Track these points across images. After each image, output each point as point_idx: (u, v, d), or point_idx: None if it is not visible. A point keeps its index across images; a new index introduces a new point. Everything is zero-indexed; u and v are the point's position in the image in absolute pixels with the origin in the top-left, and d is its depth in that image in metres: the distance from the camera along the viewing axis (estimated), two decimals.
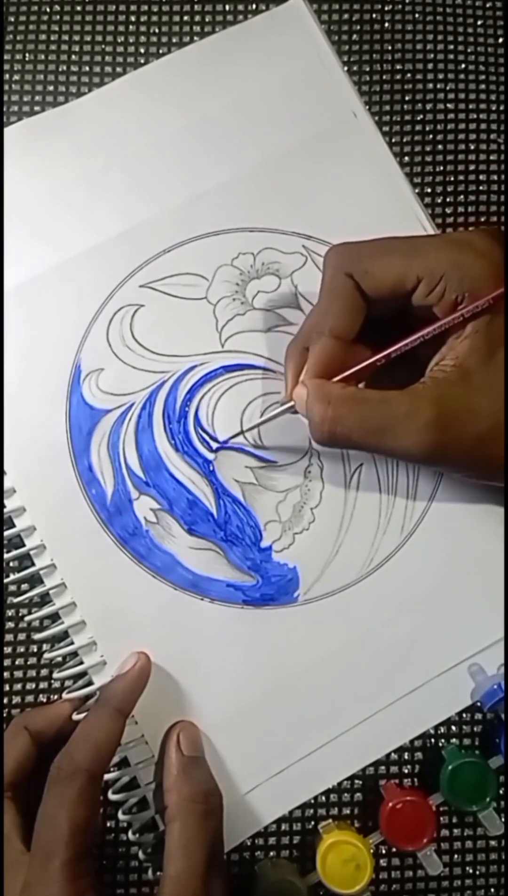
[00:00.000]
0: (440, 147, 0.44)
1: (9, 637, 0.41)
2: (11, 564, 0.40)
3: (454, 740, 0.41)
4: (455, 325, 0.35)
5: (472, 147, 0.44)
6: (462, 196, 0.44)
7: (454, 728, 0.41)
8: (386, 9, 0.45)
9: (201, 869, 0.33)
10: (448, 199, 0.44)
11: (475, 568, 0.40)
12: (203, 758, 0.38)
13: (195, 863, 0.33)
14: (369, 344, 0.37)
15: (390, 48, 0.45)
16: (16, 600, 0.40)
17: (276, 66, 0.43)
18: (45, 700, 0.41)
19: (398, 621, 0.40)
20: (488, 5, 0.45)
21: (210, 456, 0.41)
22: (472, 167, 0.44)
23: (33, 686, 0.41)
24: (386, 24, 0.45)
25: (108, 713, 0.36)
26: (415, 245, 0.36)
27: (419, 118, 0.44)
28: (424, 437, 0.34)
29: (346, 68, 0.44)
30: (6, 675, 0.41)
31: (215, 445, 0.40)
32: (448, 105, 0.45)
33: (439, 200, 0.44)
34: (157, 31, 0.44)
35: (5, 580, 0.40)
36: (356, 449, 0.37)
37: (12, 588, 0.41)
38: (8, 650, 0.41)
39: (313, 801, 0.40)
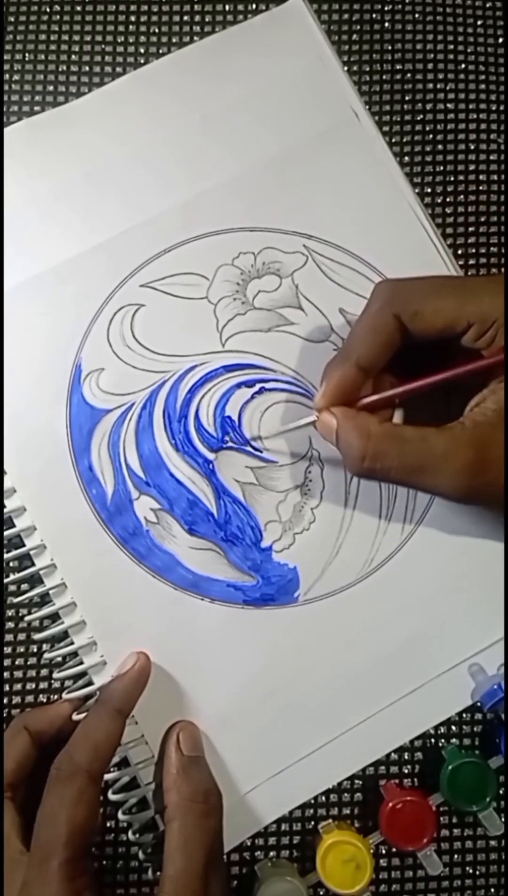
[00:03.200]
0: (440, 147, 0.44)
1: (9, 637, 0.41)
2: (11, 564, 0.40)
3: (454, 740, 0.41)
4: (497, 368, 0.34)
5: (472, 147, 0.44)
6: (462, 196, 0.44)
7: (454, 728, 0.41)
8: (386, 9, 0.45)
9: (200, 868, 0.33)
10: (447, 199, 0.44)
11: (475, 568, 0.40)
12: (203, 758, 0.38)
13: (195, 862, 0.33)
14: (393, 369, 0.37)
15: (390, 48, 0.45)
16: (16, 600, 0.40)
17: (276, 66, 0.43)
18: (45, 700, 0.41)
19: (398, 621, 0.40)
20: (488, 5, 0.45)
21: (211, 456, 0.41)
22: (472, 167, 0.44)
23: (33, 686, 0.41)
24: (386, 24, 0.45)
25: (107, 713, 0.36)
26: (468, 287, 0.35)
27: (419, 118, 0.44)
28: (461, 480, 0.34)
29: (346, 68, 0.44)
30: (6, 675, 0.41)
31: (226, 441, 0.40)
32: (448, 105, 0.45)
33: (439, 200, 0.44)
34: (157, 31, 0.44)
35: (5, 580, 0.40)
36: (391, 483, 0.37)
37: (12, 588, 0.41)
38: (8, 650, 0.41)
39: (313, 801, 0.40)
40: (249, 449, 0.41)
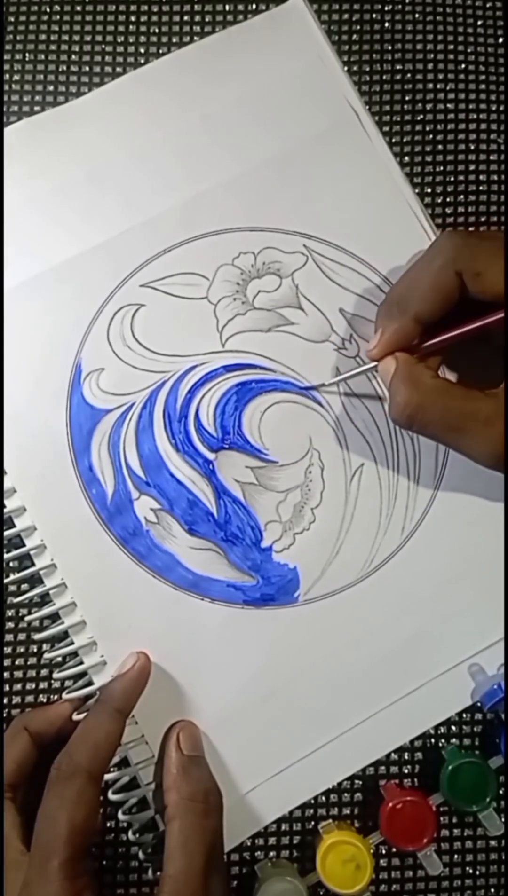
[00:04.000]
0: (440, 147, 0.44)
1: (9, 637, 0.41)
2: (11, 564, 0.40)
3: (454, 740, 0.41)
4: None
5: (472, 147, 0.44)
6: (462, 196, 0.44)
7: (454, 728, 0.41)
8: (386, 9, 0.45)
9: (200, 868, 0.33)
10: (448, 199, 0.44)
11: (475, 568, 0.41)
12: (203, 757, 0.38)
13: (194, 862, 0.33)
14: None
15: (390, 48, 0.45)
16: (16, 600, 0.40)
17: (276, 66, 0.43)
18: (45, 700, 0.41)
19: (398, 621, 0.40)
20: (488, 5, 0.45)
21: (211, 456, 0.41)
22: (472, 167, 0.44)
23: (33, 686, 0.41)
24: (386, 24, 0.45)
25: (107, 713, 0.36)
26: None
27: (419, 118, 0.44)
28: (497, 448, 0.34)
29: (346, 68, 0.44)
30: (6, 675, 0.41)
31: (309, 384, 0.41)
32: (448, 105, 0.45)
33: (439, 200, 0.44)
34: (157, 31, 0.44)
35: (5, 580, 0.40)
36: (427, 437, 0.37)
37: (12, 588, 0.41)
38: (8, 650, 0.41)
39: (313, 801, 0.40)
40: (249, 448, 0.41)
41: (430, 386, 0.35)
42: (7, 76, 0.44)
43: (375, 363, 0.38)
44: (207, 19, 0.45)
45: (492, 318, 0.35)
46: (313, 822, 0.40)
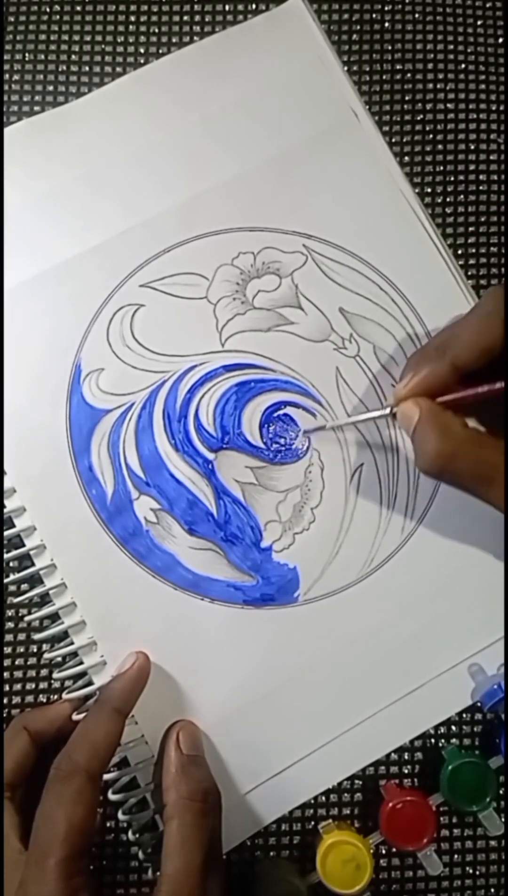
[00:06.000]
0: (440, 147, 0.44)
1: (9, 637, 0.41)
2: (11, 564, 0.40)
3: (454, 740, 0.41)
4: None
5: (472, 147, 0.44)
6: (462, 196, 0.44)
7: (454, 728, 0.41)
8: (386, 9, 0.45)
9: (198, 867, 0.33)
10: (448, 199, 0.44)
11: (474, 568, 0.40)
12: (203, 757, 0.38)
13: (192, 861, 0.33)
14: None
15: (390, 48, 0.45)
16: (16, 600, 0.40)
17: (276, 66, 0.43)
18: (45, 700, 0.41)
19: (398, 621, 0.40)
20: (488, 5, 0.45)
21: (210, 456, 0.41)
22: (472, 167, 0.44)
23: (33, 686, 0.41)
24: (386, 24, 0.45)
25: (106, 713, 0.36)
26: None
27: (419, 118, 0.44)
28: None
29: (346, 68, 0.44)
30: (6, 675, 0.41)
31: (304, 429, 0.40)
32: (448, 105, 0.45)
33: (439, 200, 0.44)
34: (157, 31, 0.44)
35: (5, 580, 0.40)
36: (454, 487, 0.35)
37: (12, 588, 0.41)
38: (8, 650, 0.41)
39: (313, 801, 0.40)
40: (249, 448, 0.41)
41: (462, 436, 0.34)
42: (7, 76, 0.44)
43: (389, 409, 0.37)
44: (207, 19, 0.45)
45: None
46: (313, 822, 0.40)
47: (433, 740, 0.41)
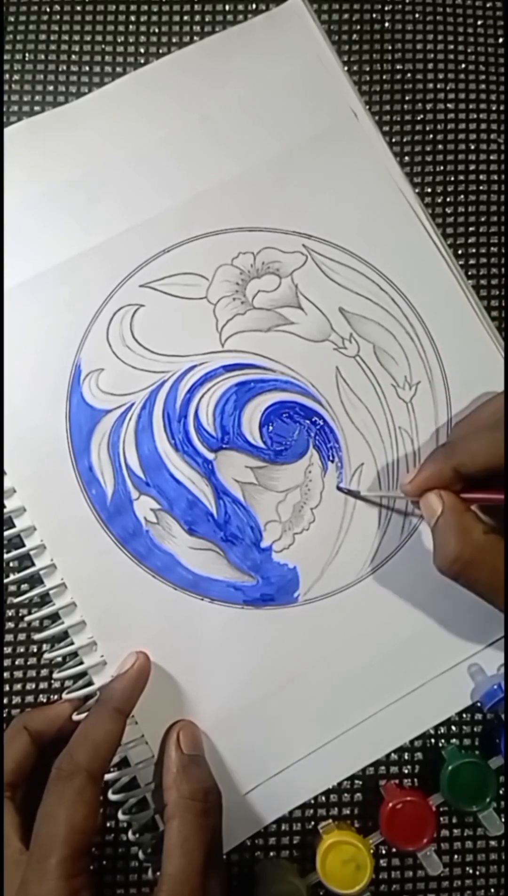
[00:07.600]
0: (440, 147, 0.44)
1: (9, 637, 0.41)
2: (11, 564, 0.40)
3: (454, 740, 0.41)
4: None
5: (472, 147, 0.44)
6: (462, 196, 0.44)
7: (454, 728, 0.41)
8: (386, 9, 0.45)
9: (198, 866, 0.33)
10: (448, 199, 0.44)
11: None
12: (203, 757, 0.38)
13: (193, 860, 0.33)
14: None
15: (390, 48, 0.45)
16: (16, 600, 0.40)
17: (276, 66, 0.43)
18: (45, 700, 0.41)
19: (398, 621, 0.40)
20: (488, 5, 0.45)
21: (210, 456, 0.41)
22: (472, 167, 0.44)
23: (33, 686, 0.41)
24: (386, 24, 0.45)
25: (107, 713, 0.36)
26: None
27: (419, 118, 0.44)
28: None
29: (346, 68, 0.44)
30: (6, 675, 0.41)
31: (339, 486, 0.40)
32: (448, 105, 0.45)
33: (439, 200, 0.44)
34: (157, 31, 0.44)
35: (5, 580, 0.40)
36: (471, 591, 0.35)
37: (12, 588, 0.41)
38: (8, 650, 0.41)
39: (313, 801, 0.40)
40: (249, 448, 0.41)
41: (481, 543, 0.34)
42: (7, 76, 0.44)
43: (410, 496, 0.37)
44: (207, 19, 0.45)
45: None
46: (313, 822, 0.40)
47: (433, 740, 0.41)
